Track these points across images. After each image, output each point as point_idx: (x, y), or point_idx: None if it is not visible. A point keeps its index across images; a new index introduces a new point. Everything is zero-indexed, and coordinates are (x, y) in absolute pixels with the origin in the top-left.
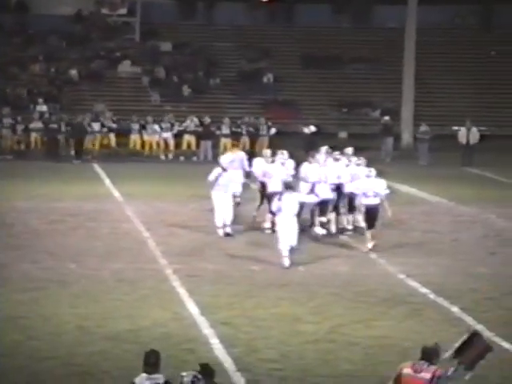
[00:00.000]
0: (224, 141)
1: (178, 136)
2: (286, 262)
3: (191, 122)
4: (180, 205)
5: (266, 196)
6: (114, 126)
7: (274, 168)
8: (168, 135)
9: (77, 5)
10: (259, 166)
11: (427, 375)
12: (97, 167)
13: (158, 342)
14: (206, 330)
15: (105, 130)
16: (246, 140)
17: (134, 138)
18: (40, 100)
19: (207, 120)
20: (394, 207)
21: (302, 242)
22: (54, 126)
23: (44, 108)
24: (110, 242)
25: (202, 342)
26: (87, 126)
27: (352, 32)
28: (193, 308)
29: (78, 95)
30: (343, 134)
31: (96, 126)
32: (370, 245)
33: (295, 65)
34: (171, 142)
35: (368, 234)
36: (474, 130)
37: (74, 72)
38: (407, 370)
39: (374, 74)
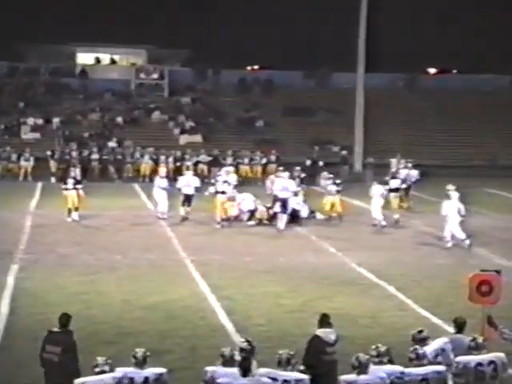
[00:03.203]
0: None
1: (195, 165)
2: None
3: (204, 155)
4: (194, 213)
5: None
6: (154, 157)
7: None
8: (189, 164)
9: (122, 71)
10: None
11: None
12: (135, 186)
13: (179, 311)
14: (214, 302)
15: (151, 161)
16: (245, 168)
17: (162, 166)
18: (114, 139)
19: (216, 153)
20: (348, 216)
21: (285, 239)
22: (109, 156)
23: (114, 145)
24: (146, 240)
25: (211, 311)
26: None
27: (318, 91)
28: (204, 287)
29: (123, 135)
30: (308, 162)
31: (146, 158)
32: (281, 225)
33: (278, 114)
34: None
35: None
36: (402, 160)
37: (120, 119)
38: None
39: (335, 121)
